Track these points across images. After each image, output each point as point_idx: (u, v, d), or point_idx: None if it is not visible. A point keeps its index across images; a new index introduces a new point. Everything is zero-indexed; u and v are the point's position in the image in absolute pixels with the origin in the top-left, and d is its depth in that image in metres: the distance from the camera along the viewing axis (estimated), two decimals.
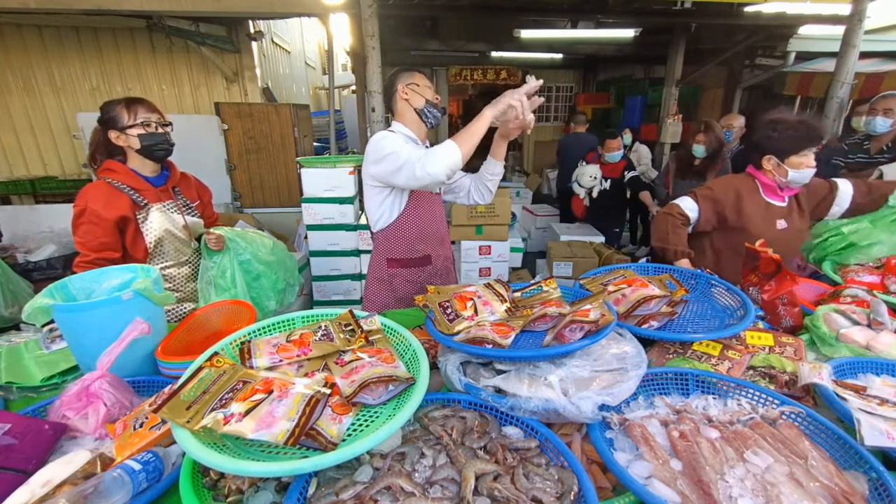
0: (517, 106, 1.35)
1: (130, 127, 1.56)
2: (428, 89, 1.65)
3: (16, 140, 4.54)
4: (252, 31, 4.70)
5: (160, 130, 1.61)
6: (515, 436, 0.87)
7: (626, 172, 4.04)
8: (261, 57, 5.16)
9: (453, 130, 4.28)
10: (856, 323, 1.23)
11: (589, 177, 4.10)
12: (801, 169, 1.66)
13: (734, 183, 1.80)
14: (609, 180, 4.09)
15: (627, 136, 4.92)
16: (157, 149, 1.61)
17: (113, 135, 1.57)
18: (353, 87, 8.17)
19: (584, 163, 4.25)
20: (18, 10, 3.62)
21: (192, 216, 1.77)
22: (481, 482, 0.73)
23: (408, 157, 1.43)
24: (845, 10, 4.18)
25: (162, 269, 1.67)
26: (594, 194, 4.15)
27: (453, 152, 1.38)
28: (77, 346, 1.14)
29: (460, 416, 0.90)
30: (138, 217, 1.61)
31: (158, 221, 1.64)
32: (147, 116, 1.58)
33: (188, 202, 1.78)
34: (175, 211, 1.70)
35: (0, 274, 2.51)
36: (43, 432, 0.88)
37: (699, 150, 3.32)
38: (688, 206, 1.79)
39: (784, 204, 1.78)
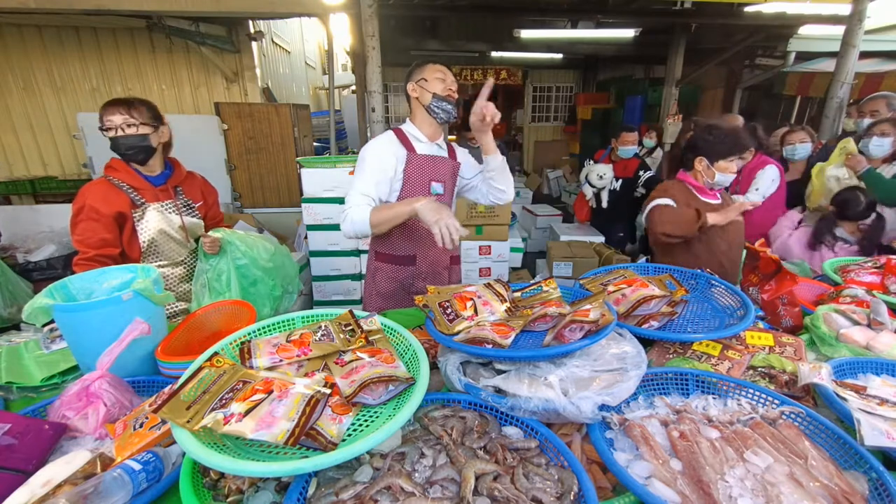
0: (438, 233, 1.38)
1: (102, 129, 1.58)
2: (438, 81, 1.60)
3: (16, 140, 4.54)
4: (252, 31, 4.70)
5: (121, 133, 1.56)
6: (515, 436, 0.87)
7: (640, 172, 3.73)
8: (261, 57, 5.16)
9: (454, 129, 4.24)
10: (856, 323, 1.23)
11: (598, 175, 3.80)
12: (726, 173, 1.82)
13: (679, 191, 1.87)
14: (620, 181, 3.80)
15: (650, 140, 4.41)
16: (120, 152, 1.59)
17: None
18: (353, 87, 8.17)
19: (591, 161, 4.01)
20: (18, 10, 3.62)
21: (193, 217, 1.76)
22: (481, 482, 0.73)
23: (353, 196, 1.56)
24: (845, 10, 4.18)
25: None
26: (604, 199, 3.89)
27: (362, 222, 1.50)
28: (77, 346, 1.14)
29: (460, 416, 0.89)
30: (135, 215, 1.61)
31: (154, 221, 1.65)
32: (110, 120, 1.55)
33: (190, 202, 1.77)
34: (173, 211, 1.70)
35: None
36: (43, 432, 0.88)
37: None
38: (666, 201, 1.82)
39: (719, 201, 1.90)
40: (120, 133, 1.56)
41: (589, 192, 3.96)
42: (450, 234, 1.36)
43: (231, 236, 1.67)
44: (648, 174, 3.76)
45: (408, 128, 1.69)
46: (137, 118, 1.58)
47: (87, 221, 1.55)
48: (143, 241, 1.64)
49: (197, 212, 1.79)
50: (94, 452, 0.83)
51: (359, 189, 1.56)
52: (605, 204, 3.95)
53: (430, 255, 1.76)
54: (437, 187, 1.70)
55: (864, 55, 4.85)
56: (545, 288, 1.25)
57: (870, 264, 1.63)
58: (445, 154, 1.74)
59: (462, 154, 1.81)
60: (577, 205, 4.33)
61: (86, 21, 4.17)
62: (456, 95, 1.64)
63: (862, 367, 1.07)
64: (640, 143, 4.46)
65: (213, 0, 3.68)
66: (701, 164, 1.83)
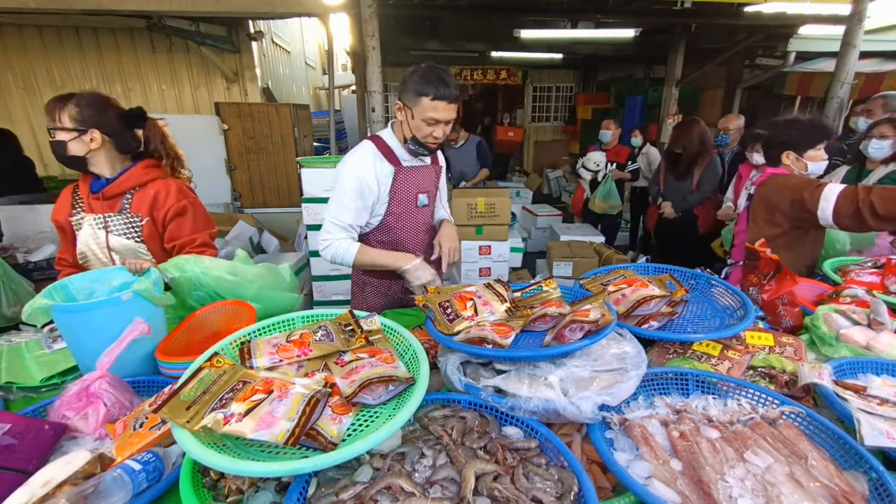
0: (419, 287, 1.46)
1: None
2: (425, 125, 1.39)
3: None
4: (252, 31, 4.71)
5: (50, 138, 1.41)
6: (515, 436, 0.87)
7: (629, 162, 4.20)
8: (261, 57, 5.17)
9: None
10: (856, 323, 1.22)
11: (594, 163, 4.22)
12: (818, 161, 1.80)
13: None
14: (614, 164, 4.19)
15: (637, 139, 4.71)
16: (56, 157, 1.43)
17: None
18: (353, 87, 8.17)
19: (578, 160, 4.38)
20: (18, 10, 3.62)
21: (131, 238, 1.47)
22: (481, 482, 0.73)
23: (332, 224, 1.49)
24: (845, 10, 4.18)
25: None
26: (600, 178, 4.23)
27: (345, 257, 1.49)
28: (76, 347, 1.14)
29: (460, 416, 0.89)
30: (73, 224, 1.48)
31: (84, 235, 1.47)
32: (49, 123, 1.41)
33: (135, 217, 1.48)
34: (100, 226, 1.46)
35: (2, 273, 2.52)
36: (43, 432, 0.88)
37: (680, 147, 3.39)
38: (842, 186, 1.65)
39: None
40: (50, 137, 1.40)
41: (588, 175, 4.30)
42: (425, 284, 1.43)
43: (200, 274, 1.30)
44: (635, 166, 4.25)
45: (389, 139, 1.52)
46: (60, 122, 1.39)
47: None
48: (78, 254, 1.49)
49: (140, 232, 1.48)
50: (94, 452, 0.83)
51: (339, 218, 1.47)
52: (600, 178, 4.27)
53: None
54: (423, 199, 1.61)
55: (864, 55, 4.85)
56: (545, 288, 1.25)
57: (869, 264, 1.63)
58: (429, 162, 1.64)
59: (440, 155, 1.72)
60: (575, 200, 4.59)
61: (86, 21, 4.17)
62: (437, 143, 1.45)
63: (862, 367, 1.07)
64: (629, 143, 4.82)
65: (213, 0, 3.68)
66: (789, 157, 1.82)
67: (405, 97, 1.41)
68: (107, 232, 1.46)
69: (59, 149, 1.40)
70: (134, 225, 1.47)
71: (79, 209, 1.49)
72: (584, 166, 4.28)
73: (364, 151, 1.50)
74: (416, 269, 1.47)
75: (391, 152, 1.52)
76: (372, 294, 1.71)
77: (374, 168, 1.48)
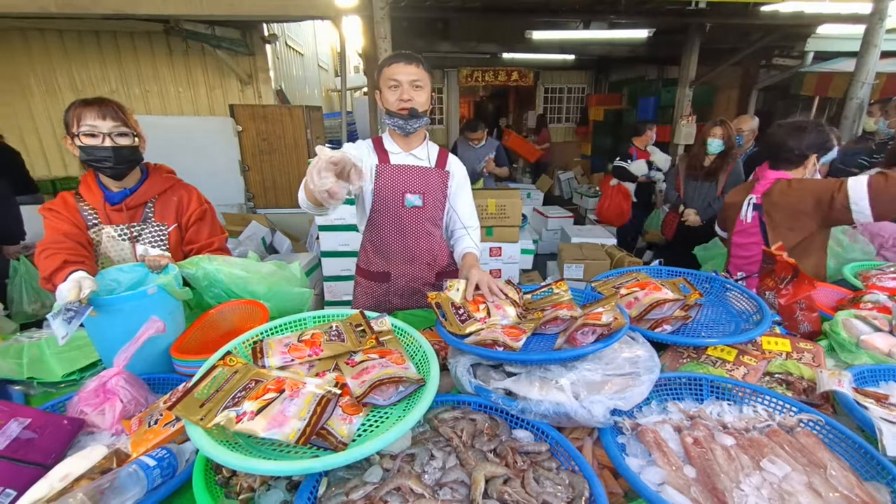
0: (315, 177, 0.96)
1: (75, 135, 1.30)
2: (390, 91, 1.41)
3: (38, 141, 4.67)
4: (266, 34, 4.77)
5: (108, 143, 1.31)
6: (526, 439, 0.86)
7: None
8: (274, 59, 5.23)
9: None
10: (877, 329, 1.19)
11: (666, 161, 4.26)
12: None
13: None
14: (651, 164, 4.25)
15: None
16: (98, 165, 1.33)
17: (67, 141, 1.34)
18: (365, 89, 8.22)
19: (628, 161, 4.26)
20: (40, 16, 3.72)
21: (155, 247, 1.44)
22: (491, 485, 0.73)
23: None
24: (866, 8, 4.09)
25: None
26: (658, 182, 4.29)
27: (301, 191, 1.26)
28: (103, 341, 1.16)
29: (470, 419, 0.89)
30: (92, 237, 1.40)
31: (104, 248, 1.41)
32: (93, 125, 1.29)
33: (161, 226, 1.46)
34: (125, 237, 1.42)
35: (24, 272, 2.59)
36: (62, 427, 0.90)
37: (716, 144, 3.07)
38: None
39: None
40: (109, 143, 1.31)
41: (661, 177, 4.22)
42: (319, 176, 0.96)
43: (214, 271, 1.31)
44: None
45: (385, 136, 1.59)
46: (131, 126, 1.35)
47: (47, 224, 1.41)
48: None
49: (166, 240, 1.47)
50: (111, 448, 0.85)
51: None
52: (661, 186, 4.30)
53: (406, 272, 1.65)
54: (412, 199, 1.54)
55: (886, 55, 4.73)
56: (556, 290, 1.25)
57: (892, 269, 1.59)
58: (427, 164, 1.57)
59: (454, 163, 1.63)
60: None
61: (105, 25, 4.28)
62: (408, 108, 1.41)
63: (884, 374, 1.05)
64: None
65: (228, 4, 3.74)
66: (812, 161, 1.77)
67: (378, 81, 1.47)
68: (133, 242, 1.43)
69: (132, 154, 1.37)
70: (161, 233, 1.47)
71: (95, 222, 1.42)
72: (658, 168, 4.10)
73: (364, 141, 1.60)
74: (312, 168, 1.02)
75: (382, 147, 1.56)
76: (361, 295, 1.74)
77: (364, 153, 1.54)
